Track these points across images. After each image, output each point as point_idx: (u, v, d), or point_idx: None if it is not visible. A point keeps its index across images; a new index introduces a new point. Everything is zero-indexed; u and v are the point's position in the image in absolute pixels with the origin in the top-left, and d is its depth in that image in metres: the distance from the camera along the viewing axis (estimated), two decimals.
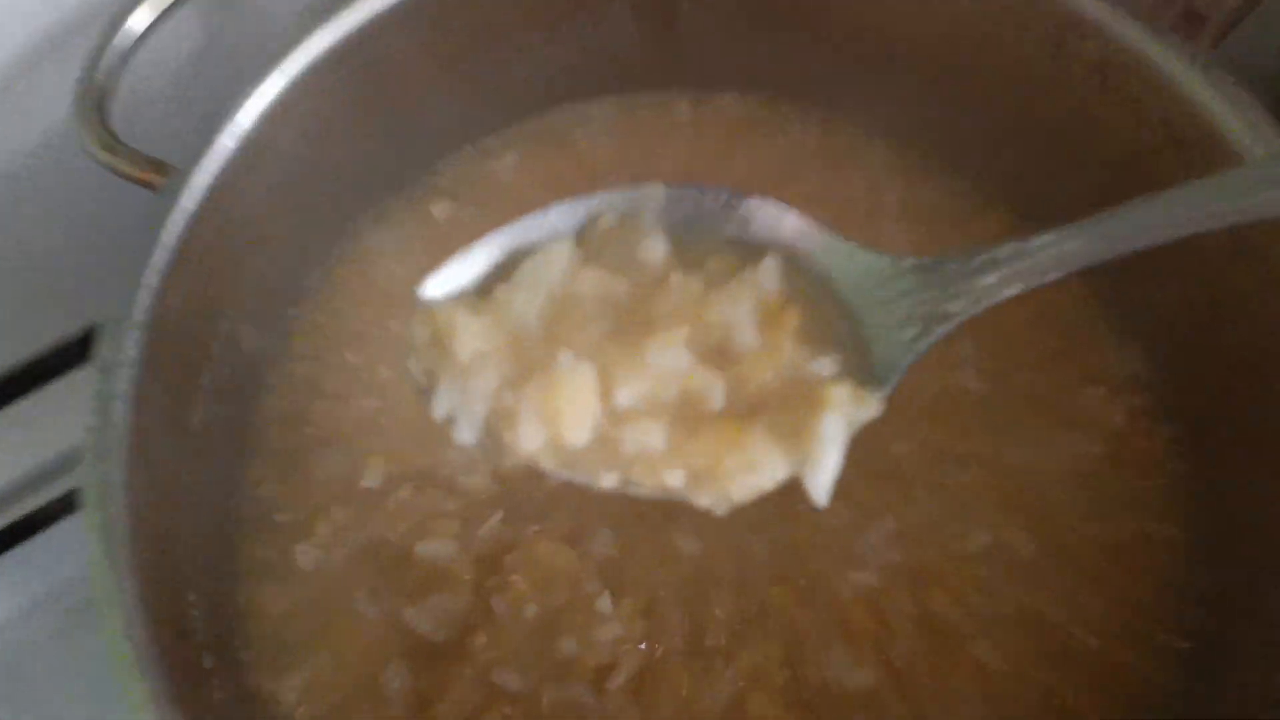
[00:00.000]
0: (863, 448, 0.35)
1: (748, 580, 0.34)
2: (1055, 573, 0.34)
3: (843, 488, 0.35)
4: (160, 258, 0.32)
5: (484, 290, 0.28)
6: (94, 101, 0.34)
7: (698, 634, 0.33)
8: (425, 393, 0.27)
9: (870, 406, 0.26)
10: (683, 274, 0.27)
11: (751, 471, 0.26)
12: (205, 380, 0.35)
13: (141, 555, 0.27)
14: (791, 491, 0.35)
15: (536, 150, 0.43)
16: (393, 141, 0.39)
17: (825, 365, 0.26)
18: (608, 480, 0.26)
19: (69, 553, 0.41)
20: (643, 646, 0.32)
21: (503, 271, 0.28)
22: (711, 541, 0.34)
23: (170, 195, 0.32)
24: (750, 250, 0.28)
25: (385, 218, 0.40)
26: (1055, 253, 0.25)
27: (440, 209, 0.42)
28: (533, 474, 0.35)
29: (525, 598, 0.33)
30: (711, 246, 0.29)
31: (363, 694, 0.32)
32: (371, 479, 0.36)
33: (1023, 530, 0.35)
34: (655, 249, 0.28)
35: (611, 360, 0.26)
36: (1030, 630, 0.34)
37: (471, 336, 0.26)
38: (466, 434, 0.26)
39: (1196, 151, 0.33)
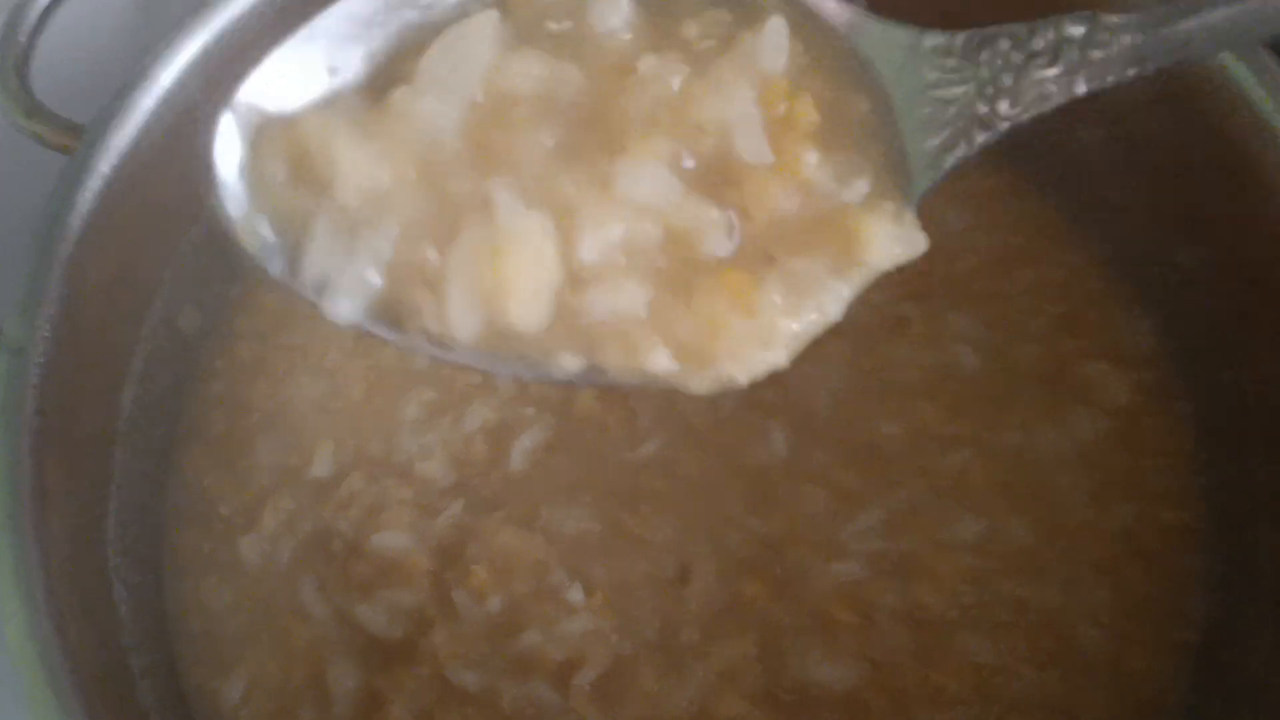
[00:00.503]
0: (845, 428, 0.36)
1: (723, 572, 0.34)
2: (1054, 561, 0.35)
3: (823, 472, 0.35)
4: (75, 225, 0.32)
5: (372, 93, 0.20)
6: (14, 66, 0.34)
7: (669, 629, 0.33)
8: (271, 252, 0.20)
9: (915, 241, 0.21)
10: (656, 56, 0.21)
11: (765, 343, 0.21)
12: (137, 361, 0.36)
13: (55, 549, 0.28)
14: (768, 477, 0.35)
15: None
16: None
17: (856, 188, 0.21)
18: (568, 366, 0.21)
19: None
20: (611, 641, 0.33)
21: (389, 65, 0.21)
22: (686, 531, 0.35)
23: (84, 158, 0.32)
24: (741, 6, 0.22)
25: None
26: (1152, 34, 0.20)
27: None
28: (496, 455, 0.36)
29: (487, 590, 0.33)
30: (688, 4, 0.22)
31: (310, 695, 0.33)
32: (320, 467, 0.37)
33: (1019, 516, 0.35)
34: (614, 11, 0.21)
35: (568, 196, 0.20)
36: (1026, 623, 0.34)
37: (361, 167, 0.19)
38: (345, 308, 0.20)
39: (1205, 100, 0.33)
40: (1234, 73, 0.31)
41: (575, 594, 0.33)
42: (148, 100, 0.33)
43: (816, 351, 0.37)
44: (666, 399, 0.37)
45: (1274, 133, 0.32)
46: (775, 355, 0.22)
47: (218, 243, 0.38)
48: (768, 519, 0.35)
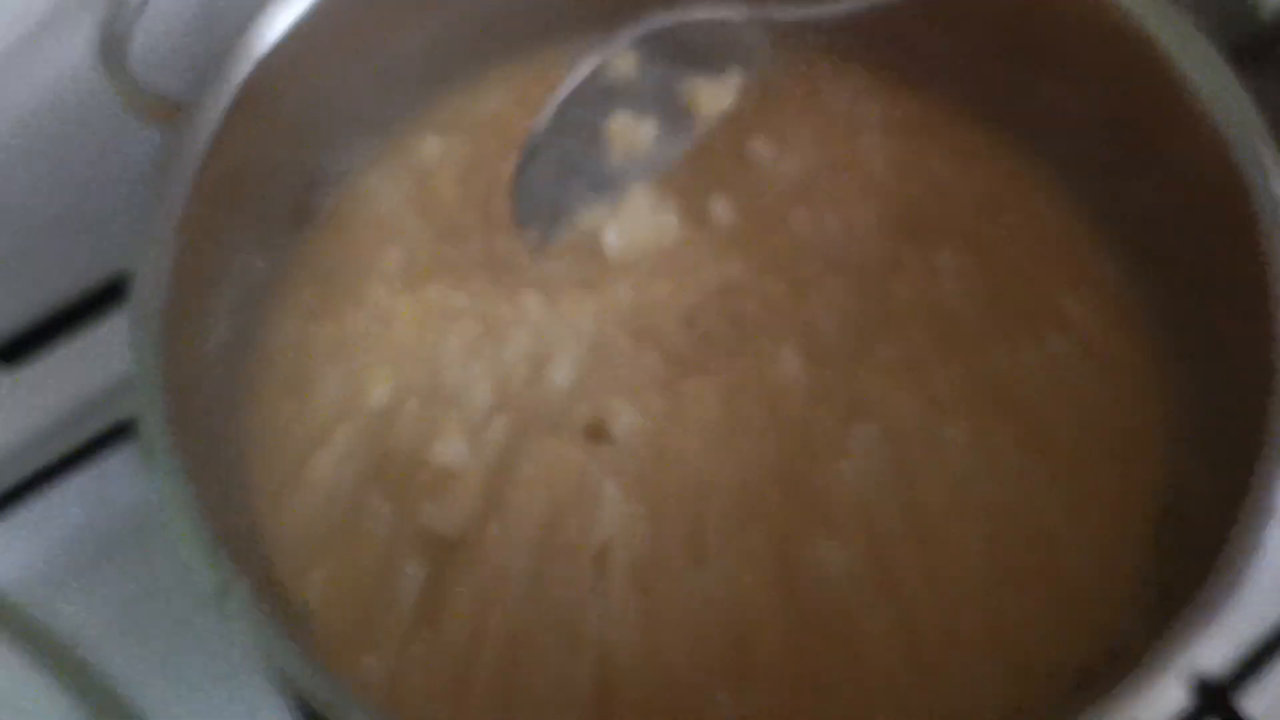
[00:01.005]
0: (850, 353, 0.44)
1: (742, 475, 0.41)
2: (1034, 465, 0.42)
3: (831, 389, 0.43)
4: (180, 187, 0.39)
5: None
6: (116, 47, 0.42)
7: (694, 522, 0.40)
8: None
9: None
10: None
11: None
12: (221, 307, 0.43)
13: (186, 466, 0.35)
14: (783, 395, 0.43)
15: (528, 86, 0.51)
16: (389, 76, 0.46)
17: None
18: None
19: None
20: (643, 533, 0.40)
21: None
22: (711, 440, 0.42)
23: (188, 126, 0.40)
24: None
25: (382, 151, 0.48)
26: None
27: (431, 143, 0.49)
28: (536, 379, 0.43)
29: (534, 491, 0.40)
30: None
31: (383, 584, 0.40)
32: (379, 395, 0.44)
33: (1003, 425, 0.42)
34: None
35: None
36: (1010, 517, 0.41)
37: None
38: None
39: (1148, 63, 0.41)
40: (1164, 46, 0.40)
41: (611, 492, 0.41)
42: (238, 75, 0.40)
43: (825, 288, 0.45)
44: (690, 328, 0.44)
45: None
46: None
47: (282, 201, 0.46)
48: (782, 430, 0.42)
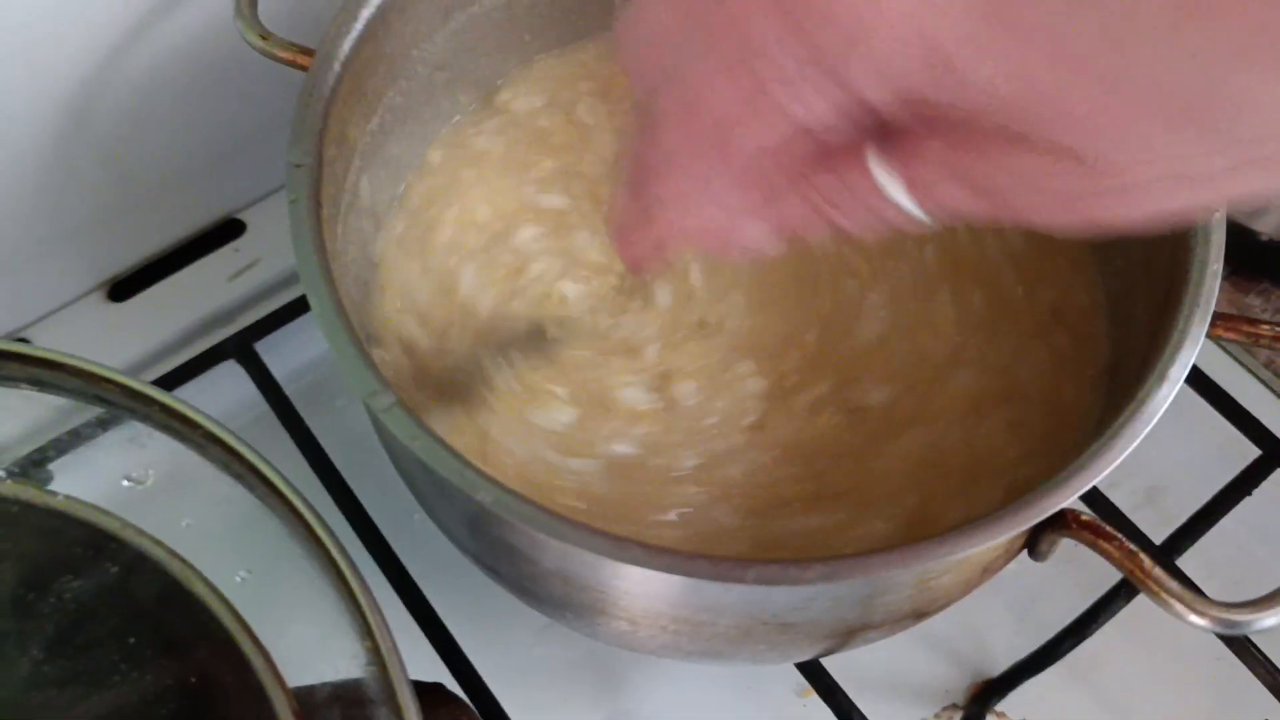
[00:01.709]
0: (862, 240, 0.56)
1: (805, 340, 0.54)
2: (1004, 327, 0.56)
3: (851, 265, 0.56)
4: (314, 116, 0.48)
5: None
6: (248, 7, 0.51)
7: (782, 378, 0.53)
8: None
9: None
10: None
11: None
12: (345, 214, 0.52)
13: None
14: (818, 280, 0.55)
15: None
16: (478, 41, 0.57)
17: None
18: None
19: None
20: (754, 393, 0.53)
21: None
22: (790, 322, 0.55)
23: (319, 69, 0.49)
24: None
25: (471, 98, 0.60)
26: None
27: (504, 98, 0.60)
28: (647, 300, 0.56)
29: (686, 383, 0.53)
30: None
31: None
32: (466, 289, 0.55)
33: (978, 294, 0.56)
34: None
35: None
36: (990, 368, 0.54)
37: None
38: None
39: None
40: None
41: (747, 368, 0.53)
42: (359, 23, 0.50)
43: None
44: None
45: None
46: None
47: (383, 133, 0.55)
48: (821, 305, 0.55)
